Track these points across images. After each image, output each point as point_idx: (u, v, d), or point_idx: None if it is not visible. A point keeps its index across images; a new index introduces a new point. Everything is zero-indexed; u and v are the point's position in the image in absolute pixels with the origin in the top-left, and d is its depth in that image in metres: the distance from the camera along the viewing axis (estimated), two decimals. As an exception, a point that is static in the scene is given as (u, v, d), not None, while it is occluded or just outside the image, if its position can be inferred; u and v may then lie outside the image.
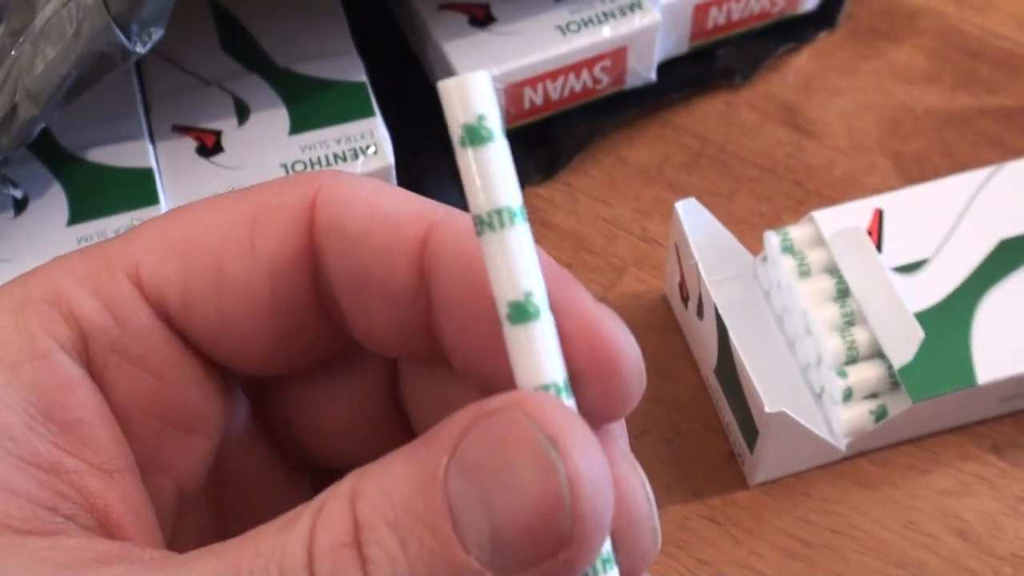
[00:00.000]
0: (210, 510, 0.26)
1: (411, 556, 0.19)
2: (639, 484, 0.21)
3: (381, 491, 0.19)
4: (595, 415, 0.21)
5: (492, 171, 0.19)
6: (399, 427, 0.26)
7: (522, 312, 0.20)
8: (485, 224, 0.19)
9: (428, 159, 0.42)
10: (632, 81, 0.44)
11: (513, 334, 0.20)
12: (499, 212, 0.19)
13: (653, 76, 0.44)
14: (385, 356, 0.25)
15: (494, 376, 0.22)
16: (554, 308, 0.20)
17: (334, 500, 0.20)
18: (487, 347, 0.21)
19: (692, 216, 0.37)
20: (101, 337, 0.23)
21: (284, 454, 0.27)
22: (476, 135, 0.19)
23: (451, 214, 0.22)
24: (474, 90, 0.19)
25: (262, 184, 0.24)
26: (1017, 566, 0.35)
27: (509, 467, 0.19)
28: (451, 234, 0.22)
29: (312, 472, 0.27)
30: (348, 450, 0.26)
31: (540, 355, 0.20)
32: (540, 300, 0.19)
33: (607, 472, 0.19)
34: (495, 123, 0.19)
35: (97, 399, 0.23)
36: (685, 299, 0.38)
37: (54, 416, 0.22)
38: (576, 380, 0.21)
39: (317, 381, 0.26)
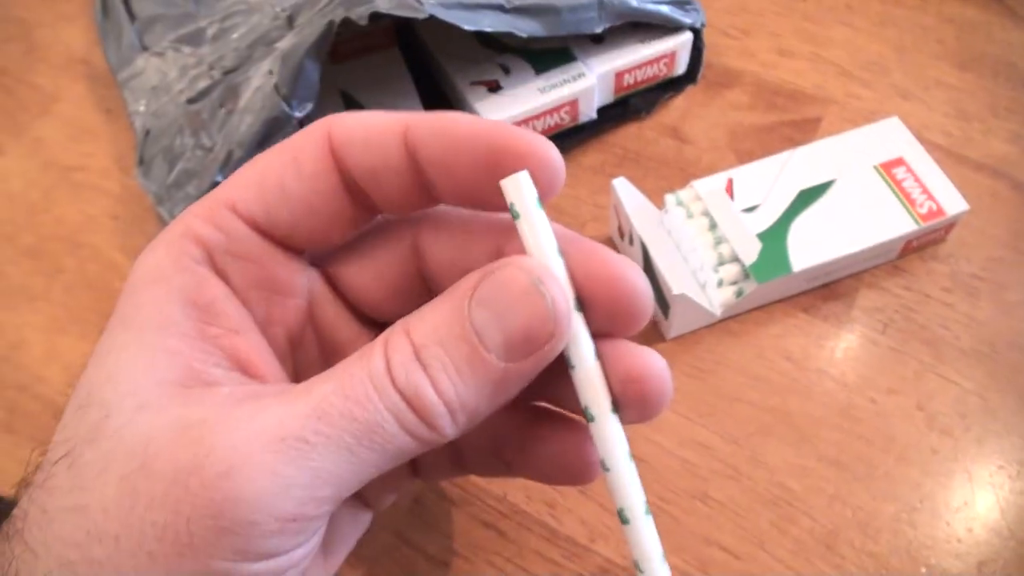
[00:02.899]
0: (312, 347, 0.27)
1: (455, 359, 0.20)
2: (640, 276, 0.22)
3: (427, 324, 0.21)
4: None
5: (539, 231, 0.21)
6: (423, 291, 0.26)
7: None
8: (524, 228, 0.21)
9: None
10: (583, 118, 0.50)
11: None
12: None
13: (594, 115, 0.51)
14: (398, 214, 0.25)
15: (479, 203, 0.24)
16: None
17: (394, 336, 0.21)
18: (466, 182, 0.23)
19: (623, 188, 0.44)
20: (219, 248, 0.24)
21: (353, 311, 0.27)
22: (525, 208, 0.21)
23: (418, 113, 0.23)
24: (524, 181, 0.21)
25: (295, 133, 0.24)
26: (820, 375, 0.42)
27: (512, 297, 0.20)
28: (424, 121, 0.23)
29: (379, 325, 0.27)
30: (390, 308, 0.27)
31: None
32: (556, 264, 0.21)
33: (570, 292, 0.21)
34: (535, 200, 0.21)
35: (223, 287, 0.24)
36: (622, 235, 0.45)
37: (197, 303, 0.23)
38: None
39: (361, 257, 0.26)
